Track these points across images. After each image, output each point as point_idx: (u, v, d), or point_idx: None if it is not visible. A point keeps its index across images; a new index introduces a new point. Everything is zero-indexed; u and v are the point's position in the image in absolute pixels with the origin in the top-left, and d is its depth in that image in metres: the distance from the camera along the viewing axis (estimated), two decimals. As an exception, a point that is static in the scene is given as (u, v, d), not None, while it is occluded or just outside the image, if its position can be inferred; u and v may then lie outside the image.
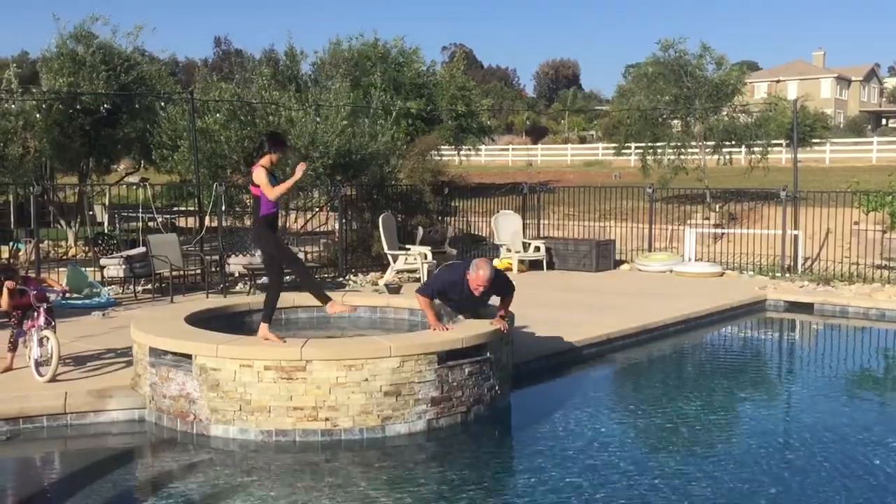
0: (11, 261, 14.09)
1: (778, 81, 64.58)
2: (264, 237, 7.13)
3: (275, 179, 6.98)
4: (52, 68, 17.86)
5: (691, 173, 23.39)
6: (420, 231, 16.45)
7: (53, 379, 7.43)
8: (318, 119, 16.15)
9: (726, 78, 22.99)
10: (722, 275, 15.97)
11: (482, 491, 5.89)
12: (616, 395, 9.15)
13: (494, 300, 7.68)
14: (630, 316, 11.33)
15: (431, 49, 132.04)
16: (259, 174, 6.85)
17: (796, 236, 16.25)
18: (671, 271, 16.14)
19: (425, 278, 13.88)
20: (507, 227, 17.23)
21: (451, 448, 6.80)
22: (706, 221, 20.60)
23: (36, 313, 7.71)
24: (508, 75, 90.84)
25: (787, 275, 15.55)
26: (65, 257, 16.66)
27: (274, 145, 7.04)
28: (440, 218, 18.24)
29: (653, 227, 17.97)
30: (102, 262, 13.20)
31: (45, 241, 17.30)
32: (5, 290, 7.77)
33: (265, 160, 6.95)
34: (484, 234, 19.21)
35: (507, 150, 50.93)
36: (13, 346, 7.92)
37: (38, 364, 7.57)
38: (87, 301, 11.65)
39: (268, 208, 6.95)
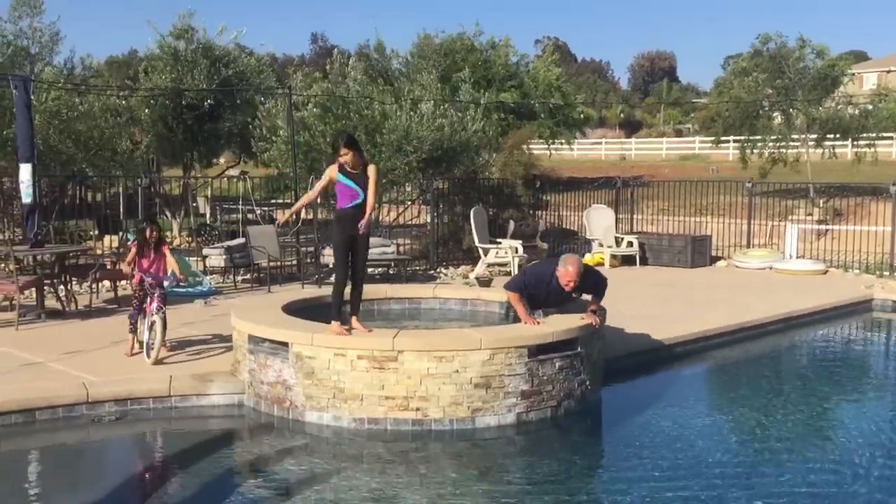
0: (121, 250, 14.75)
1: (888, 72, 61.36)
2: (337, 228, 7.20)
3: (346, 177, 7.02)
4: (156, 67, 18.76)
5: (791, 166, 22.55)
6: (511, 225, 16.43)
7: (156, 362, 7.79)
8: (411, 113, 16.29)
9: (831, 65, 22.05)
10: (825, 273, 15.35)
11: (571, 486, 5.85)
12: (711, 395, 8.93)
13: (585, 296, 7.60)
14: (727, 313, 11.03)
15: (524, 43, 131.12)
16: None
17: (907, 233, 15.47)
18: (771, 268, 15.61)
19: (516, 272, 13.87)
20: (599, 221, 17.02)
21: (540, 442, 6.79)
22: (809, 217, 19.82)
23: (149, 298, 8.06)
24: (602, 68, 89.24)
25: (897, 274, 14.84)
26: (170, 247, 17.36)
27: (346, 146, 6.99)
28: (532, 212, 18.17)
29: (752, 222, 17.42)
30: (205, 251, 13.70)
31: (152, 232, 18.06)
32: (133, 250, 8.17)
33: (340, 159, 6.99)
34: (575, 229, 19.03)
35: (600, 143, 50.16)
36: (134, 328, 8.28)
37: (147, 347, 7.95)
38: (190, 289, 12.12)
39: (340, 203, 7.11)
